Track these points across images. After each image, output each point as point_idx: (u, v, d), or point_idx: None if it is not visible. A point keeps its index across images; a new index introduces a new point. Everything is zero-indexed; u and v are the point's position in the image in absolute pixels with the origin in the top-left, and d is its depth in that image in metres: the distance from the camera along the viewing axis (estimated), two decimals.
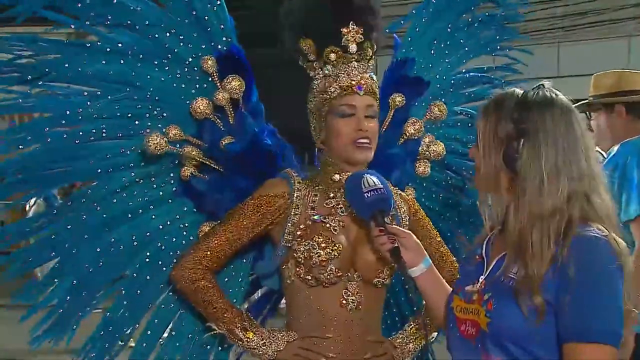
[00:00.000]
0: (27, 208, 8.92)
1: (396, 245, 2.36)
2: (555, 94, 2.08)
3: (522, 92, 2.10)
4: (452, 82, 3.31)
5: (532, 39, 12.89)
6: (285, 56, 2.75)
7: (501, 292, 2.02)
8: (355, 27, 2.63)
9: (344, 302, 2.67)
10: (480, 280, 2.12)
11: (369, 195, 2.42)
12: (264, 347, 2.67)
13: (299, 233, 2.68)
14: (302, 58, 2.73)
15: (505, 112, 2.06)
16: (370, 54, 2.69)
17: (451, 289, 2.32)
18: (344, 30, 2.62)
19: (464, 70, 3.37)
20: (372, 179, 2.45)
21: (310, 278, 2.65)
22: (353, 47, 2.63)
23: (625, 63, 12.76)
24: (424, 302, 2.45)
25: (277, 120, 2.98)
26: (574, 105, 2.10)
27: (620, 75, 4.24)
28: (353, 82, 2.63)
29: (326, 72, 2.67)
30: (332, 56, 2.64)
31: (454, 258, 2.96)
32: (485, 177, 2.12)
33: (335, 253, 2.63)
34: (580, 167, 2.01)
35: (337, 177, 2.72)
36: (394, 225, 2.49)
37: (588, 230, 1.96)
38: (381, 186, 2.44)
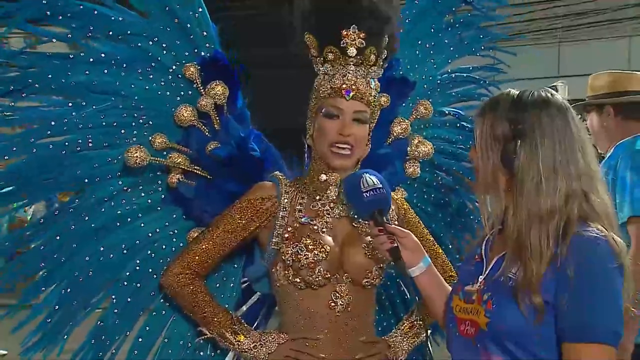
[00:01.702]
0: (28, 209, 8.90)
1: (395, 245, 2.35)
2: (551, 94, 2.08)
3: (517, 92, 2.10)
4: (439, 82, 3.33)
5: (532, 39, 12.94)
6: (294, 51, 2.74)
7: (500, 292, 2.03)
8: (356, 31, 2.61)
9: (332, 304, 2.67)
10: (480, 280, 2.13)
11: (368, 194, 2.39)
12: (255, 350, 2.68)
13: (286, 236, 2.68)
14: (308, 53, 2.72)
15: (501, 112, 2.07)
16: (373, 61, 2.67)
17: (450, 288, 2.32)
18: (344, 32, 2.60)
19: (449, 70, 3.38)
20: (372, 179, 2.43)
21: (299, 280, 2.65)
22: (352, 51, 2.61)
23: (625, 63, 12.74)
24: (423, 301, 2.44)
25: (276, 119, 2.98)
26: (572, 106, 2.11)
27: (615, 76, 4.24)
28: (344, 86, 2.62)
29: (325, 70, 2.66)
30: (330, 56, 2.63)
31: (447, 258, 2.97)
32: (483, 178, 2.12)
33: (323, 255, 2.63)
34: (578, 166, 2.01)
35: (323, 177, 2.72)
36: (393, 225, 2.47)
37: (588, 230, 1.96)
38: (380, 185, 2.42)
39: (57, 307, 2.75)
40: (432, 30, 3.25)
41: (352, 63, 2.63)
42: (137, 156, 2.73)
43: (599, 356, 1.91)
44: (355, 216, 2.69)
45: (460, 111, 3.36)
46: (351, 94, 2.62)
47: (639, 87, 4.19)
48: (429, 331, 2.85)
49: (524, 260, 1.98)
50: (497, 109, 2.08)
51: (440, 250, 2.96)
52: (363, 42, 2.61)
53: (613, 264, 1.94)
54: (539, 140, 2.01)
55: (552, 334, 1.96)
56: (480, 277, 2.13)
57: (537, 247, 1.97)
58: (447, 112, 3.36)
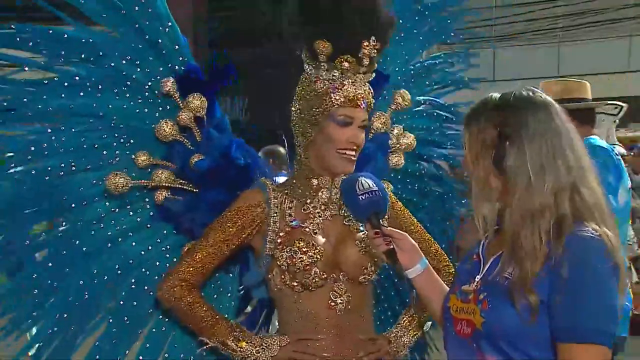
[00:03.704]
0: None
1: (392, 247, 2.35)
2: (533, 92, 2.10)
3: (499, 95, 2.11)
4: (412, 72, 3.34)
5: (532, 39, 12.98)
6: (285, 49, 2.74)
7: (496, 292, 2.02)
8: (374, 42, 2.61)
9: (332, 303, 2.67)
10: (477, 279, 2.12)
11: (363, 197, 2.39)
12: (258, 355, 2.66)
13: (279, 240, 2.68)
14: (309, 55, 2.68)
15: (485, 118, 2.08)
16: (374, 68, 2.69)
17: (448, 288, 2.32)
18: (365, 43, 2.59)
19: (422, 59, 3.40)
20: (367, 182, 2.43)
21: (296, 284, 2.65)
22: (366, 61, 2.62)
23: (625, 63, 12.79)
24: (420, 301, 2.43)
25: (273, 118, 2.97)
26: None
27: (566, 84, 4.41)
28: (359, 96, 2.62)
29: (332, 76, 2.63)
30: (345, 65, 2.61)
31: (438, 246, 2.97)
32: (477, 184, 2.12)
33: (318, 256, 2.63)
34: (567, 160, 2.01)
35: (314, 181, 2.73)
36: (389, 227, 2.47)
37: (583, 230, 1.96)
38: (376, 188, 2.42)
39: (54, 332, 2.74)
40: (400, 21, 3.21)
41: (362, 72, 2.64)
42: (115, 183, 2.73)
43: (593, 357, 1.91)
44: (346, 215, 2.69)
45: (436, 99, 3.39)
46: (365, 105, 2.64)
47: (588, 94, 4.41)
48: (429, 323, 2.86)
49: (518, 259, 1.98)
50: (482, 115, 2.09)
51: (432, 240, 2.95)
52: (376, 52, 2.63)
53: (607, 264, 1.93)
54: (525, 139, 2.01)
55: (546, 334, 1.95)
56: (477, 276, 2.13)
57: (530, 246, 1.97)
58: (423, 101, 3.37)
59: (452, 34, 3.46)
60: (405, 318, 2.87)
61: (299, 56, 2.72)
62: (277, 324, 2.97)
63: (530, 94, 2.09)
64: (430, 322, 2.87)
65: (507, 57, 9.45)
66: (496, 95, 2.11)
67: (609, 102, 5.31)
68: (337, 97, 2.61)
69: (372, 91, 2.69)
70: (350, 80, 2.63)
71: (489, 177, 2.07)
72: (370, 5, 2.62)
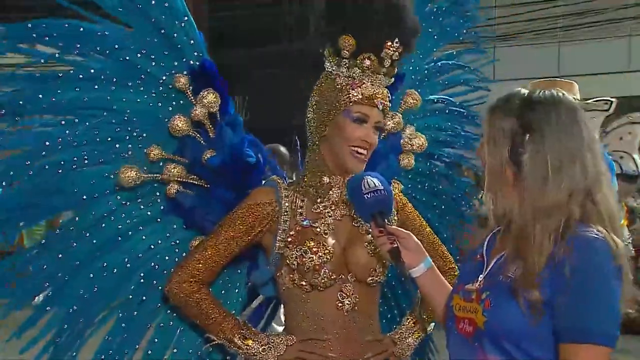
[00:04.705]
0: None
1: (395, 245, 2.37)
2: (562, 94, 2.10)
3: (528, 90, 2.12)
4: (426, 71, 3.34)
5: (532, 38, 13.01)
6: (309, 44, 2.75)
7: (499, 291, 2.03)
8: (398, 44, 2.63)
9: (339, 304, 2.68)
10: (479, 279, 2.13)
11: (368, 196, 2.42)
12: (264, 353, 2.67)
13: (289, 239, 2.69)
14: (331, 52, 2.70)
15: (511, 108, 2.08)
16: (394, 72, 2.71)
17: (451, 287, 2.33)
18: (389, 43, 2.61)
19: (435, 59, 3.40)
20: (373, 181, 2.45)
21: (304, 283, 2.66)
22: (388, 62, 2.64)
23: (625, 63, 12.83)
24: (424, 300, 2.46)
25: (280, 117, 2.97)
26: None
27: (554, 83, 4.41)
28: (377, 96, 2.64)
29: (352, 73, 2.64)
30: (367, 62, 2.62)
31: (445, 248, 2.98)
32: (490, 173, 2.13)
33: (328, 256, 2.64)
34: (585, 165, 2.02)
35: (325, 179, 2.73)
36: (393, 226, 2.49)
37: (586, 231, 1.97)
38: (381, 187, 2.44)
39: (65, 326, 2.76)
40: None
41: (382, 73, 2.66)
42: (128, 176, 2.74)
43: (595, 357, 1.91)
44: (356, 215, 2.70)
45: (449, 98, 3.39)
46: (382, 106, 2.66)
47: (577, 95, 4.43)
48: (433, 324, 2.87)
49: (524, 255, 1.99)
50: (507, 106, 2.10)
51: (439, 242, 2.97)
52: (398, 55, 2.65)
53: (610, 265, 1.94)
54: (547, 136, 2.02)
55: (548, 334, 1.97)
56: (480, 276, 2.14)
57: (539, 240, 1.97)
58: (435, 100, 3.38)
59: (465, 33, 3.48)
60: (410, 319, 2.89)
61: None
62: (276, 327, 2.99)
63: (560, 95, 2.10)
64: (434, 323, 2.88)
65: (507, 57, 9.45)
66: (525, 90, 2.13)
67: (598, 99, 5.28)
68: (355, 94, 2.63)
69: (389, 95, 2.71)
70: (370, 79, 2.65)
71: (503, 168, 2.08)
72: (398, 8, 2.63)
